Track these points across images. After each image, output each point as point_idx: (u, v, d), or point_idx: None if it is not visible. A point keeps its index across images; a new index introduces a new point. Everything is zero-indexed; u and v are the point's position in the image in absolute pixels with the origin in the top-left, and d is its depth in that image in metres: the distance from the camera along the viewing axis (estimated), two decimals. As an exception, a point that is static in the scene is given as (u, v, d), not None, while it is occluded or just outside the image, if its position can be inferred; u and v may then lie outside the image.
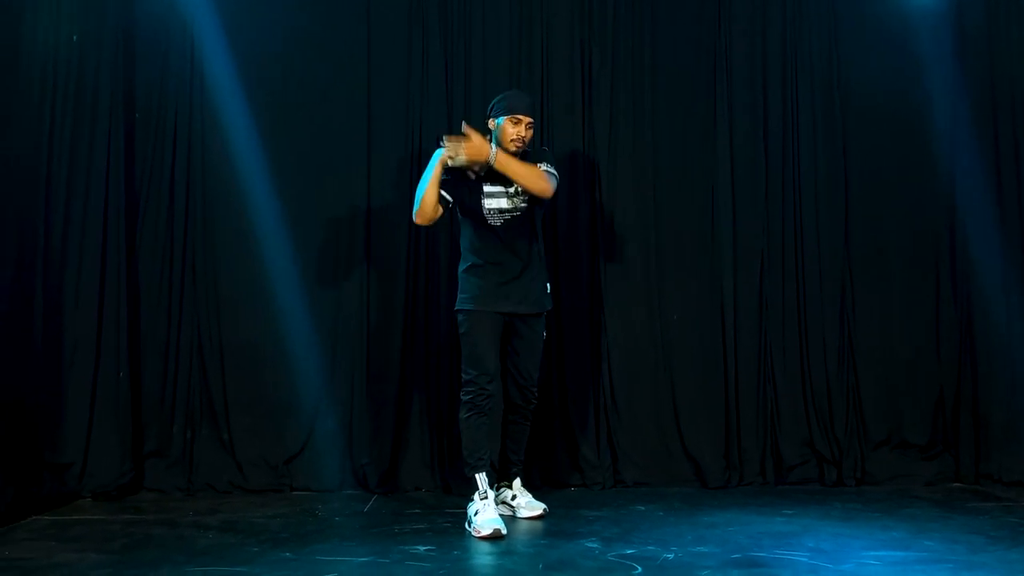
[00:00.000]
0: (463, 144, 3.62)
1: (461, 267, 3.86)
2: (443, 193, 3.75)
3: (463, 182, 3.78)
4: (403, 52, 4.58)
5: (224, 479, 4.34)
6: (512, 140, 3.75)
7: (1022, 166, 4.60)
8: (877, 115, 4.70)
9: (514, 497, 3.93)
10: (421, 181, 3.76)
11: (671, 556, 3.23)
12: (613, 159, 4.61)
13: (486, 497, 3.63)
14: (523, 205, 3.78)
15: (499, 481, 3.97)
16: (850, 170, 4.68)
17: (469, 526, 3.60)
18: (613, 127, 4.63)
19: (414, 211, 3.77)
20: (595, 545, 3.39)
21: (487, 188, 3.77)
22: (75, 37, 4.07)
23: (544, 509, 3.88)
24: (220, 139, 4.49)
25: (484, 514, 3.57)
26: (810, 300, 4.61)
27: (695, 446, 4.49)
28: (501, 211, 3.76)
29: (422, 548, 3.35)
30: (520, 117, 3.77)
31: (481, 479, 3.65)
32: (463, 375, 3.74)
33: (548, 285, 3.92)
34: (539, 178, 3.71)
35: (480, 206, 3.77)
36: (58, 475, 4.05)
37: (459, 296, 3.82)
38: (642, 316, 4.56)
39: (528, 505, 3.90)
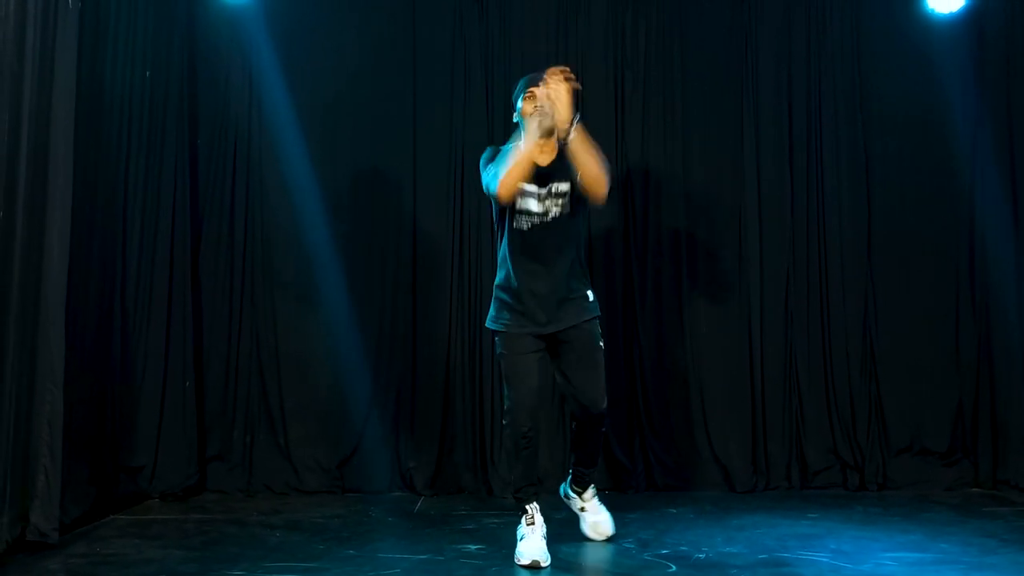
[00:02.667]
0: (560, 94, 3.25)
1: (495, 280, 3.60)
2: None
3: None
4: (446, 78, 4.79)
5: (281, 481, 4.58)
6: (536, 109, 3.39)
7: (1040, 179, 4.68)
8: (899, 134, 4.83)
9: (583, 509, 3.74)
10: (501, 156, 3.44)
11: (703, 556, 3.43)
12: (645, 178, 4.79)
13: (533, 523, 3.43)
14: (555, 210, 3.44)
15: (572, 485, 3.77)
16: (872, 187, 4.81)
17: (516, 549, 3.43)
18: (645, 147, 4.80)
19: (497, 183, 3.34)
20: (632, 545, 3.59)
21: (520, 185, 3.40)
22: (148, 73, 4.30)
23: (609, 534, 3.67)
24: (276, 164, 4.72)
25: (528, 541, 3.39)
26: (834, 313, 4.75)
27: (724, 452, 4.66)
28: (529, 213, 3.44)
29: (473, 547, 3.56)
30: (532, 90, 3.44)
31: (531, 507, 3.46)
32: (504, 401, 3.51)
33: (590, 293, 3.56)
34: (604, 172, 3.35)
35: (512, 202, 3.43)
36: (132, 477, 4.31)
37: (490, 312, 3.57)
38: (673, 328, 4.73)
39: (593, 526, 3.69)
